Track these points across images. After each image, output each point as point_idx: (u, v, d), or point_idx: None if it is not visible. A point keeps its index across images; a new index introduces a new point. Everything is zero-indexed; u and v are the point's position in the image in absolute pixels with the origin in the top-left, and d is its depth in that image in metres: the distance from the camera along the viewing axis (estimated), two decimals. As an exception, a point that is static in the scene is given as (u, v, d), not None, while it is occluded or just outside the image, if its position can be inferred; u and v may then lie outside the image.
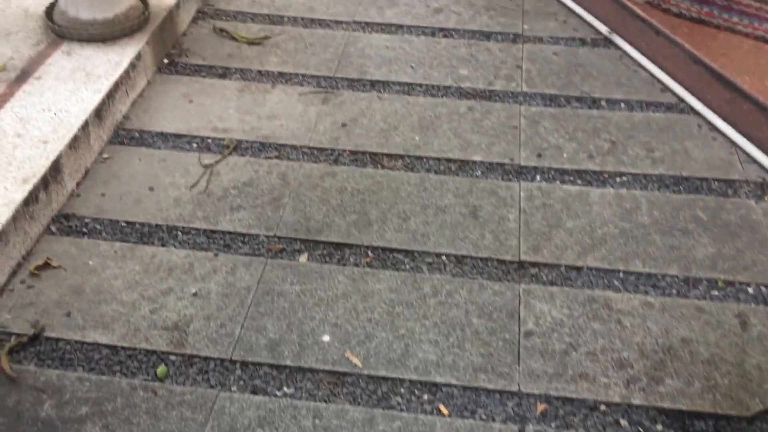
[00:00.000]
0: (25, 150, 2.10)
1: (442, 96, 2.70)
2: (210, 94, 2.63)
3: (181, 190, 2.23)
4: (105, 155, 2.34)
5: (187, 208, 2.16)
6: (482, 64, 2.86)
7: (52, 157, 2.09)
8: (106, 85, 2.38)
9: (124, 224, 2.11)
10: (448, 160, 2.40)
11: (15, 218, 1.91)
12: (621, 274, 2.02)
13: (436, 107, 2.63)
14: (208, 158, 2.35)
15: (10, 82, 2.37)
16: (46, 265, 1.95)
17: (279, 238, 2.09)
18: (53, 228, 2.08)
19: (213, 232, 2.10)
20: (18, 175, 2.01)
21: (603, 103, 2.68)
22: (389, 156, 2.41)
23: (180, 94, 2.62)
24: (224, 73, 2.75)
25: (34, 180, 2.01)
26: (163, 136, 2.43)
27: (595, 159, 2.41)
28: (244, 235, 2.09)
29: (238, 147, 2.41)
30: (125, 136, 2.42)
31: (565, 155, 2.42)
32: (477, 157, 2.41)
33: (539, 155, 2.42)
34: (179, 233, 2.09)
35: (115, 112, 2.42)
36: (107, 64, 2.48)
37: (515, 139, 2.49)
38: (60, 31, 2.58)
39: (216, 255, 2.03)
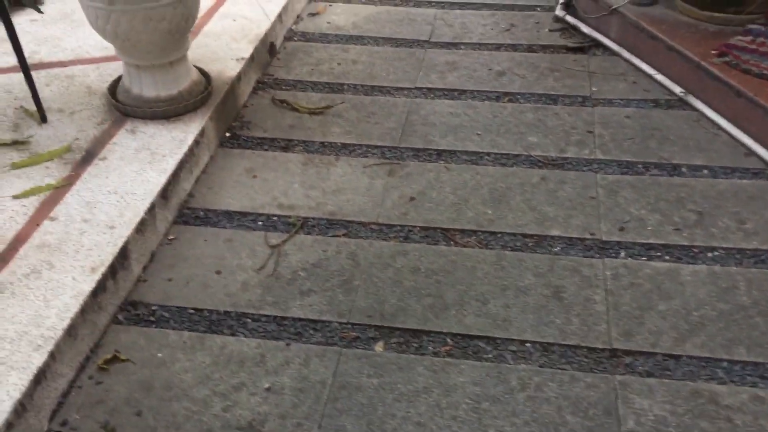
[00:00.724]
0: (93, 236, 2.06)
1: (512, 165, 2.60)
2: (273, 169, 2.58)
3: (248, 273, 2.16)
4: (170, 236, 2.29)
5: (255, 293, 2.09)
6: (552, 130, 2.77)
7: (120, 243, 2.04)
8: (171, 165, 2.34)
9: (192, 311, 2.04)
10: (525, 236, 2.29)
11: (83, 310, 1.85)
12: (725, 364, 1.87)
13: (506, 178, 2.53)
14: (274, 238, 2.29)
15: (75, 164, 2.35)
16: (115, 359, 1.88)
17: (352, 324, 2.00)
18: (120, 317, 2.02)
19: (283, 319, 2.01)
20: (86, 264, 1.97)
21: (684, 169, 2.55)
22: (462, 232, 2.31)
23: (243, 169, 2.58)
24: (287, 146, 2.70)
25: (102, 269, 1.96)
26: (228, 215, 2.38)
27: (682, 232, 2.28)
28: (315, 321, 2.01)
29: (304, 225, 2.34)
30: (190, 216, 2.38)
31: (649, 228, 2.30)
32: (555, 232, 2.30)
33: (621, 228, 2.30)
34: (249, 321, 2.01)
35: (179, 191, 2.38)
36: (171, 142, 2.45)
37: (594, 211, 2.37)
38: (124, 109, 2.57)
39: (288, 345, 1.94)
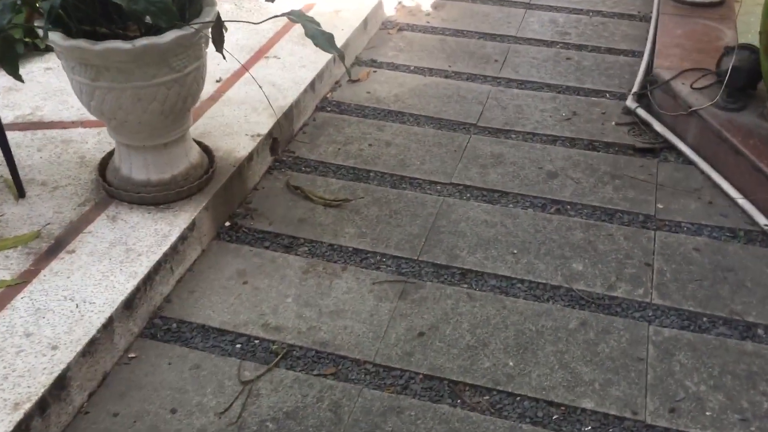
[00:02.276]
0: (29, 358, 1.75)
1: (548, 300, 2.18)
2: (269, 275, 2.23)
3: (208, 417, 1.80)
4: (131, 354, 1.97)
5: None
6: (602, 257, 2.33)
7: (57, 371, 1.73)
8: (144, 268, 2.03)
9: None
10: (550, 404, 1.86)
11: (-9, 462, 1.53)
12: None
13: (539, 318, 2.11)
14: (249, 369, 1.93)
15: (39, 256, 2.06)
16: None
17: None
18: None
19: (235, 489, 1.64)
20: (10, 397, 1.66)
21: (760, 331, 2.07)
22: (473, 388, 1.90)
23: (235, 271, 2.24)
24: (290, 245, 2.36)
25: (27, 405, 1.65)
26: (204, 331, 2.04)
27: (750, 425, 1.80)
28: (272, 499, 1.63)
29: (288, 355, 1.98)
30: (160, 328, 2.05)
31: (707, 413, 1.83)
32: (588, 403, 1.86)
33: (672, 410, 1.84)
34: (193, 487, 1.64)
35: (153, 296, 2.06)
36: (153, 236, 2.14)
37: (640, 379, 1.92)
38: (110, 190, 2.28)
39: None
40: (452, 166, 2.75)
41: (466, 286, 2.22)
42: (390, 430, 1.79)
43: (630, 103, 3.08)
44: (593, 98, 3.19)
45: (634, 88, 3.15)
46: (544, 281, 2.24)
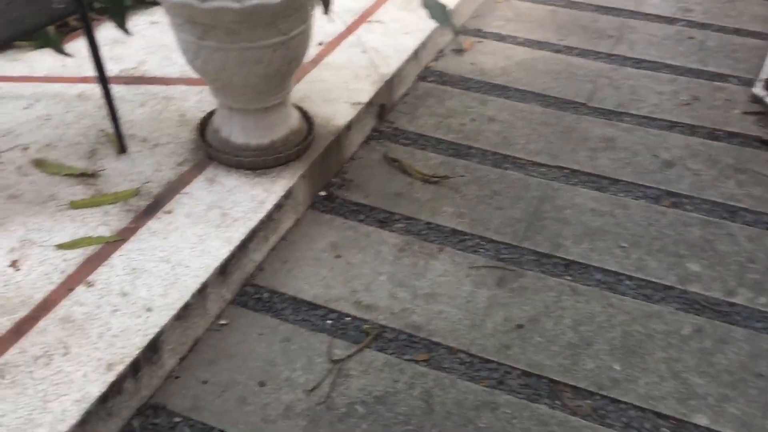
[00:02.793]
0: (124, 318, 1.74)
1: (659, 301, 2.02)
2: (363, 249, 2.16)
3: (297, 393, 1.76)
4: (222, 321, 1.94)
5: (297, 425, 1.68)
6: (721, 258, 2.15)
7: (152, 333, 1.71)
8: (239, 234, 1.99)
9: None
10: (658, 415, 1.73)
11: (84, 422, 1.53)
12: None
13: (648, 320, 1.96)
14: (340, 348, 1.87)
15: (137, 214, 2.05)
16: (109, 486, 1.54)
17: (403, 503, 1.54)
18: (135, 424, 1.69)
19: (321, 472, 1.59)
20: (104, 357, 1.65)
21: None
22: (574, 390, 1.78)
23: (328, 244, 2.18)
24: (386, 220, 2.28)
25: (121, 368, 1.63)
26: (295, 303, 1.99)
27: None
28: (359, 487, 1.57)
29: (379, 336, 1.90)
30: (252, 296, 2.01)
31: (838, 444, 1.66)
32: (700, 419, 1.72)
33: (797, 436, 1.67)
34: (279, 465, 1.60)
35: (246, 263, 2.02)
36: (249, 202, 2.10)
37: (761, 398, 1.76)
38: (209, 151, 2.24)
39: None
40: (559, 148, 2.60)
41: (569, 278, 2.09)
42: (483, 426, 1.70)
43: (759, 90, 2.83)
44: (717, 83, 2.95)
45: (764, 75, 2.89)
46: (655, 280, 2.08)
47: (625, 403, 1.76)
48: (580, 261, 2.15)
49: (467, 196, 2.37)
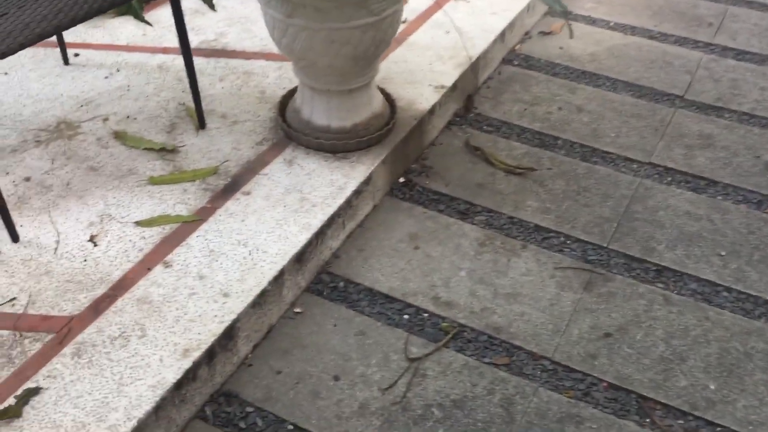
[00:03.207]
0: (201, 303, 1.70)
1: (760, 317, 1.89)
2: (442, 242, 2.07)
3: (372, 391, 1.70)
4: (297, 309, 1.89)
5: (372, 424, 1.63)
6: (830, 275, 1.99)
7: (228, 320, 1.67)
8: (318, 221, 1.93)
9: (290, 428, 1.63)
10: (757, 443, 1.61)
11: (159, 407, 1.50)
12: None
13: (748, 337, 1.83)
14: (417, 346, 1.80)
15: (215, 193, 2.01)
16: (181, 474, 1.52)
17: None
18: (208, 411, 1.66)
19: (395, 477, 1.53)
20: (181, 342, 1.61)
21: None
22: (665, 408, 1.68)
23: (407, 234, 2.10)
24: (467, 212, 2.18)
25: (197, 354, 1.60)
26: (371, 295, 1.93)
27: None
28: (434, 495, 1.50)
29: (458, 335, 1.83)
30: (327, 285, 1.96)
31: None
32: (804, 451, 1.59)
33: None
34: (352, 465, 1.55)
35: (323, 250, 1.97)
36: (328, 187, 2.03)
37: None
38: (288, 131, 2.18)
39: None
40: (652, 144, 2.45)
41: (662, 286, 1.97)
42: (567, 441, 1.61)
43: None
44: (827, 79, 2.73)
45: None
46: (756, 294, 1.94)
47: (721, 426, 1.65)
48: (674, 268, 2.02)
49: (553, 191, 2.26)
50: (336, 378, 1.73)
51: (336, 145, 2.13)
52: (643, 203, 2.22)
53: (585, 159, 2.39)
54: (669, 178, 2.32)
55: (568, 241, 2.10)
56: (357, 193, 2.06)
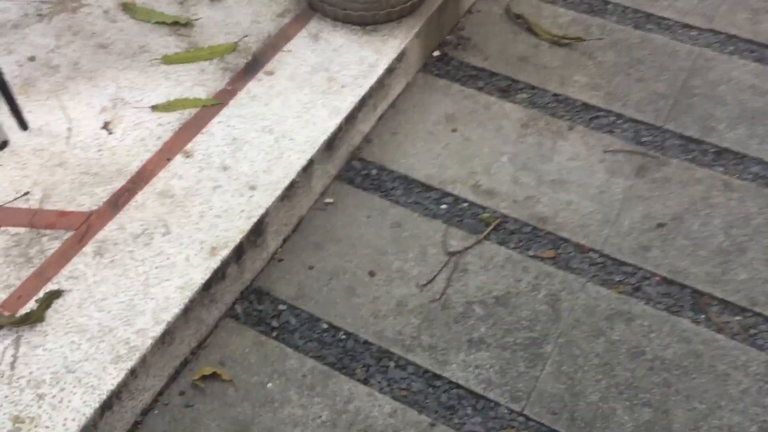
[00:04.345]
0: (226, 196, 1.58)
1: (828, 205, 1.72)
2: (482, 124, 1.90)
3: (409, 287, 1.60)
4: (328, 199, 1.77)
5: (410, 324, 1.54)
6: None
7: (256, 216, 1.55)
8: (348, 104, 1.76)
9: (325, 327, 1.55)
10: (820, 341, 1.50)
11: (188, 309, 1.41)
12: None
13: (815, 227, 1.68)
14: (456, 238, 1.68)
15: (236, 74, 1.83)
16: (214, 376, 1.46)
17: (526, 419, 1.41)
18: (239, 309, 1.57)
19: (437, 377, 1.46)
20: (207, 239, 1.51)
21: None
22: (722, 304, 1.56)
23: (443, 115, 1.93)
24: (508, 89, 1.99)
25: (225, 252, 1.49)
26: (407, 183, 1.79)
27: None
28: (477, 397, 1.44)
29: (500, 227, 1.70)
30: (359, 172, 1.82)
31: None
32: None
33: None
34: (391, 365, 1.48)
35: (353, 135, 1.81)
36: (358, 65, 1.84)
37: None
38: (313, 2, 1.96)
39: (432, 425, 1.40)
40: (713, 7, 2.18)
41: (721, 170, 1.80)
42: (617, 339, 1.51)
43: None
44: None
45: None
46: (825, 178, 1.77)
47: (782, 324, 1.53)
48: (735, 149, 1.84)
49: (603, 64, 2.04)
50: (371, 273, 1.63)
51: (365, 16, 1.91)
52: (703, 76, 2.01)
53: (638, 26, 2.15)
54: (731, 47, 2.09)
55: (619, 121, 1.92)
56: (389, 71, 1.87)
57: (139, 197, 1.57)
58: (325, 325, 1.55)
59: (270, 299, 1.59)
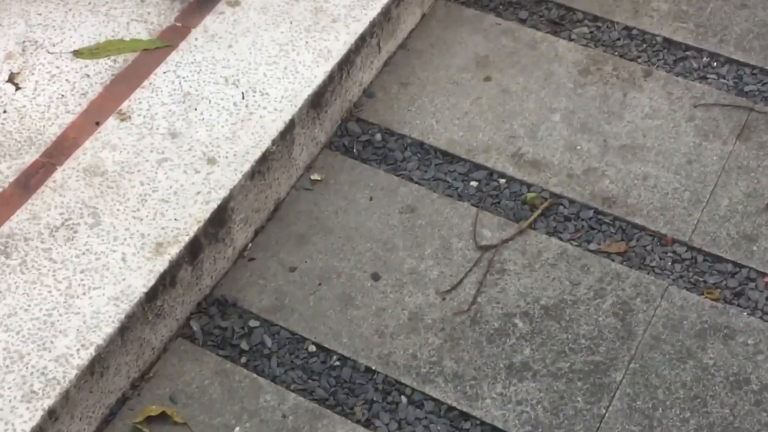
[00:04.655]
0: (176, 174, 1.61)
1: None
2: (525, 69, 1.93)
3: (426, 295, 1.61)
4: (315, 175, 1.80)
5: (428, 344, 1.55)
6: None
7: (216, 200, 1.58)
8: (342, 44, 1.81)
9: (312, 350, 1.57)
10: None
11: (126, 327, 1.43)
12: None
13: None
14: (490, 227, 1.70)
15: (187, 5, 1.86)
16: (163, 417, 1.47)
17: (586, 474, 1.41)
18: (195, 326, 1.60)
19: (464, 418, 1.48)
20: (151, 232, 1.53)
21: None
22: None
23: (472, 57, 1.96)
24: (561, 21, 2.02)
25: (175, 249, 1.52)
26: (422, 152, 1.82)
27: None
28: (520, 443, 1.44)
29: (551, 210, 1.72)
30: (357, 138, 1.85)
31: None
32: None
33: None
34: (403, 401, 1.49)
35: (349, 87, 1.86)
36: (355, -9, 1.84)
37: None
38: None
39: (458, 483, 1.41)
40: None
41: None
42: (711, 363, 1.52)
43: None
44: None
45: None
46: None
47: None
48: None
49: (692, -15, 2.04)
50: (375, 277, 1.64)
51: (364, -77, 1.89)
52: (830, 1, 1.99)
53: (741, -68, 2.13)
54: None
55: (715, 63, 1.94)
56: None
57: (58, 176, 1.59)
58: (312, 347, 1.57)
59: (237, 313, 1.61)
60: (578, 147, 1.80)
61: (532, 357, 1.53)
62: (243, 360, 1.54)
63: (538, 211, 1.71)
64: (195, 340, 1.57)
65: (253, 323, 1.59)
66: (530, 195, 1.73)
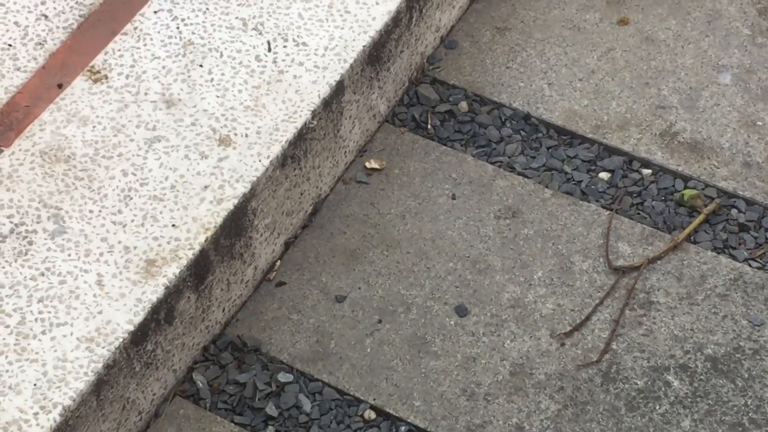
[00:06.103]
0: (173, 159, 1.65)
1: None
2: (677, 8, 1.98)
3: (538, 337, 1.65)
4: (371, 163, 1.82)
5: (539, 408, 1.59)
6: None
7: (232, 198, 1.59)
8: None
9: (371, 416, 1.61)
10: None
11: (103, 382, 1.46)
12: None
13: None
14: (629, 240, 1.72)
15: None
16: None
17: None
18: (200, 381, 1.61)
19: None
20: (138, 244, 1.55)
21: None
22: None
23: (598, -9, 1.97)
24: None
25: (172, 270, 1.54)
26: (529, 130, 1.89)
27: None
28: None
29: (719, 216, 1.75)
30: (431, 106, 1.89)
31: None
32: None
33: None
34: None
35: (421, 35, 1.92)
36: None
37: None
38: None
39: None
40: None
41: None
42: None
43: None
44: None
45: None
46: None
47: None
48: None
49: None
50: (460, 311, 1.69)
51: None
52: None
53: None
54: None
55: None
56: None
57: (4, 162, 1.62)
58: (370, 414, 1.61)
59: (261, 362, 1.64)
60: (758, 123, 1.82)
61: (695, 430, 1.53)
62: (270, 431, 1.55)
63: (701, 217, 1.74)
64: (200, 400, 1.60)
65: (284, 377, 1.62)
66: (688, 193, 1.76)
